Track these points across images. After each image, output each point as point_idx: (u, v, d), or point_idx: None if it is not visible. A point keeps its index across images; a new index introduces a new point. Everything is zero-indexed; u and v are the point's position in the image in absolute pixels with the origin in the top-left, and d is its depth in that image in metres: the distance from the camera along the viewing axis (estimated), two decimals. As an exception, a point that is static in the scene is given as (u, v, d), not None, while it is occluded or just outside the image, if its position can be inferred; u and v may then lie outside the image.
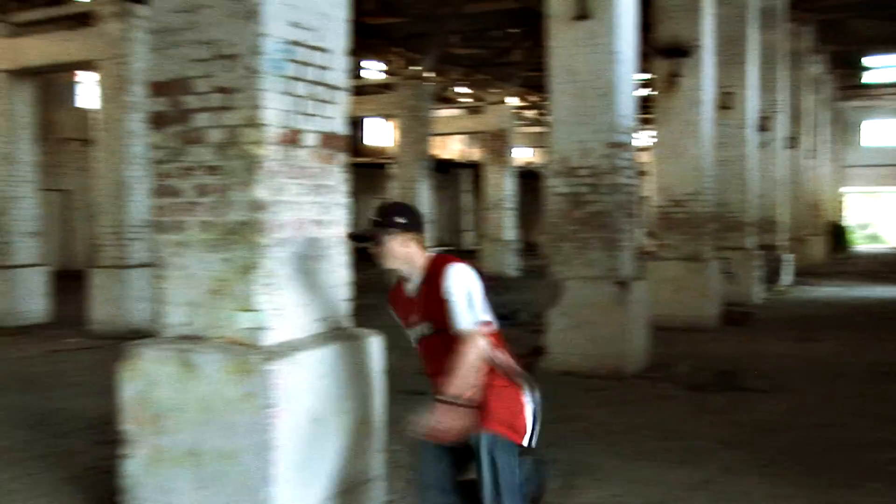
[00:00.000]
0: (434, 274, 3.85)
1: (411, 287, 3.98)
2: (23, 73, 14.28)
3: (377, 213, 3.99)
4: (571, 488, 5.62)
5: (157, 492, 4.53)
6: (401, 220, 3.92)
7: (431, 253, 3.98)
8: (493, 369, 3.89)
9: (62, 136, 25.18)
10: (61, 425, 7.20)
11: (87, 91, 25.68)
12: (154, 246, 4.81)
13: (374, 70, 24.79)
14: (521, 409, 3.89)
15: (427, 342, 4.01)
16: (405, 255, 3.92)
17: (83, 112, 25.46)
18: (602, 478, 5.83)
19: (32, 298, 14.20)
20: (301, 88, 4.59)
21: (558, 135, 9.76)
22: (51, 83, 23.04)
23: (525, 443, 3.88)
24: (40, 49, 13.86)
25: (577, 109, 9.56)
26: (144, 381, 4.53)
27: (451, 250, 26.92)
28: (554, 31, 9.71)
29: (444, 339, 3.82)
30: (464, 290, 3.76)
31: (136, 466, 4.60)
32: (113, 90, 12.81)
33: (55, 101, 24.80)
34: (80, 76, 25.69)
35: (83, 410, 7.69)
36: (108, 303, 12.67)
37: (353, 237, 4.36)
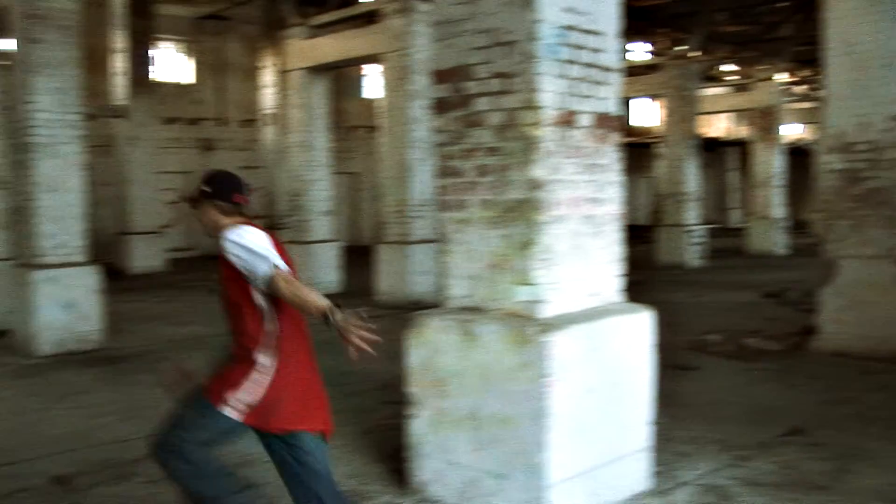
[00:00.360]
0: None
1: None
2: (318, 70, 15.27)
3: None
4: (846, 473, 5.27)
5: (439, 450, 4.72)
6: (205, 189, 3.79)
7: (236, 221, 3.75)
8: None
9: (350, 125, 26.57)
10: (354, 385, 7.62)
11: (373, 82, 26.96)
12: (437, 223, 5.00)
13: (640, 51, 24.28)
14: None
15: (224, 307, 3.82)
16: (208, 222, 3.81)
17: (369, 102, 26.79)
18: (879, 465, 5.42)
19: (327, 270, 15.17)
20: (575, 71, 4.58)
21: (833, 109, 9.12)
22: (341, 77, 24.33)
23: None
24: (333, 47, 14.75)
25: (854, 82, 8.88)
26: (429, 349, 4.73)
27: (715, 226, 25.54)
28: (830, 1, 9.07)
29: (230, 305, 3.75)
30: (243, 246, 3.55)
31: (420, 426, 4.81)
32: (396, 80, 13.37)
33: (344, 93, 26.17)
34: (367, 69, 26.98)
35: (373, 373, 8.10)
36: (391, 275, 13.30)
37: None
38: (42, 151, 9.63)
